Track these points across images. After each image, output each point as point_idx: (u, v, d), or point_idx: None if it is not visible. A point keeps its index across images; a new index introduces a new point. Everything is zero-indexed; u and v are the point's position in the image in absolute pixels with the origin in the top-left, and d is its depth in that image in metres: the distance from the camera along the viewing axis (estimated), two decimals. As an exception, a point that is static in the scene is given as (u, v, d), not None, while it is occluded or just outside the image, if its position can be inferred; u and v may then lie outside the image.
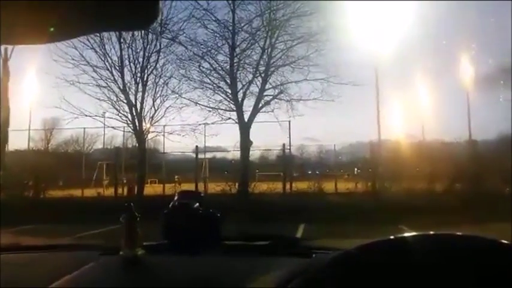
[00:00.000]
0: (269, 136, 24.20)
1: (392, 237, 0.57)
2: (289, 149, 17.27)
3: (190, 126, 16.58)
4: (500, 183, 11.58)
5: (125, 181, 17.90)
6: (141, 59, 15.92)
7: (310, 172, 21.54)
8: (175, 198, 1.25)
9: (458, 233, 0.58)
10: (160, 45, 15.96)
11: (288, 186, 16.49)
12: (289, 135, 16.72)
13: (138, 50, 15.89)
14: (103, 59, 15.76)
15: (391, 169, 15.00)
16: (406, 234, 0.60)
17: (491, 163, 13.29)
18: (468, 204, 8.80)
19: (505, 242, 0.57)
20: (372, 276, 0.56)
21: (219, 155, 20.38)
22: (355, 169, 21.44)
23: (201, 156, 17.77)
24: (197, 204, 1.21)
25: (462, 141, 15.83)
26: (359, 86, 15.82)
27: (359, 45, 15.66)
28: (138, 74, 15.89)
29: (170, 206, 1.21)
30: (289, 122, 16.42)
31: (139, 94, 15.85)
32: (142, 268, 1.14)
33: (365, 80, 16.82)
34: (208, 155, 19.13)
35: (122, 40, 15.80)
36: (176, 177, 18.64)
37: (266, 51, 15.71)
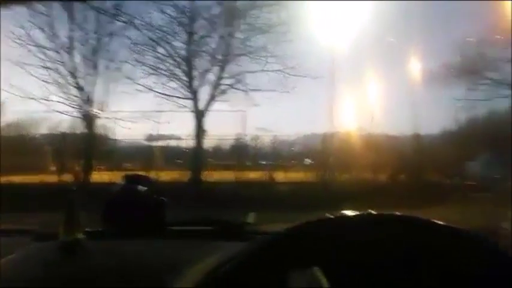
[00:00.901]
0: (224, 125, 24.06)
1: (319, 218, 0.60)
2: (244, 138, 17.36)
3: (143, 113, 16.16)
4: (441, 174, 12.34)
5: (76, 168, 17.17)
6: (92, 42, 15.23)
7: (264, 162, 21.74)
8: (121, 182, 1.23)
9: (393, 213, 0.62)
10: (113, 28, 15.34)
11: (241, 175, 16.57)
12: (245, 125, 16.78)
13: (89, 32, 15.20)
14: (51, 39, 14.92)
15: (341, 160, 15.50)
16: (337, 214, 0.64)
17: (433, 156, 14.12)
18: (410, 193, 9.33)
19: (437, 221, 0.62)
20: (304, 256, 0.60)
21: (172, 143, 20.03)
22: (308, 159, 21.90)
23: (153, 143, 17.41)
24: (144, 188, 1.20)
25: (408, 135, 16.66)
26: (315, 78, 16.10)
27: (316, 39, 15.93)
28: (89, 57, 15.21)
29: (114, 189, 1.19)
30: (245, 111, 16.46)
31: (90, 78, 15.21)
32: (81, 253, 1.12)
33: (320, 73, 17.08)
34: (161, 143, 18.76)
35: (72, 21, 15.02)
36: (127, 165, 18.13)
37: (224, 39, 15.58)
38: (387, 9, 14.32)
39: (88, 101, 15.11)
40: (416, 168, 13.71)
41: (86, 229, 1.21)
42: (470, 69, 16.00)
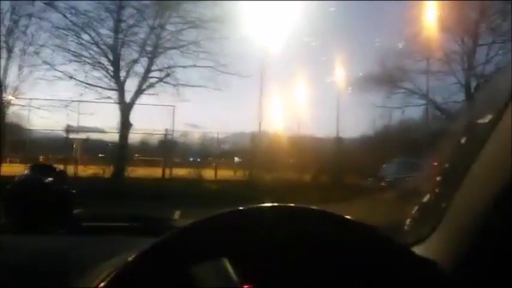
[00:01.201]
0: (152, 120, 23.41)
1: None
2: (172, 134, 17.00)
3: (62, 102, 15.12)
4: (358, 175, 13.14)
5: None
6: (7, 22, 13.91)
7: (192, 159, 21.50)
8: (26, 171, 1.13)
9: (304, 206, 0.64)
10: (33, 9, 14.15)
11: (167, 171, 16.22)
12: (173, 120, 16.44)
13: (4, 11, 13.86)
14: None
15: (267, 159, 15.84)
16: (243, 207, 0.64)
17: (352, 158, 15.01)
18: (328, 191, 9.84)
19: (346, 216, 0.65)
20: (212, 248, 0.59)
21: (94, 136, 18.99)
22: (236, 158, 22.08)
23: (73, 136, 16.36)
24: (49, 179, 1.11)
25: (330, 137, 17.53)
26: (245, 77, 16.27)
27: (249, 38, 16.13)
28: (3, 38, 13.88)
29: (16, 179, 1.09)
30: (174, 107, 16.13)
31: (3, 61, 13.89)
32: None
33: (251, 72, 17.34)
34: (82, 135, 17.68)
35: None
36: (41, 157, 16.77)
37: (155, 30, 15.11)
38: (317, 17, 14.94)
39: (0, 86, 13.78)
40: (337, 169, 14.50)
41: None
42: (388, 78, 17.28)
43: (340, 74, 16.49)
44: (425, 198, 1.08)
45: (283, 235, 0.60)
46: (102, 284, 0.62)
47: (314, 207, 0.66)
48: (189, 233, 0.61)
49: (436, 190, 1.03)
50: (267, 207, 0.62)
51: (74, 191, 1.17)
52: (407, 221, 1.09)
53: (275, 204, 0.62)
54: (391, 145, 15.82)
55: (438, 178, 1.07)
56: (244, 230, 0.60)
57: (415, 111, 18.38)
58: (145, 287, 0.59)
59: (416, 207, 1.09)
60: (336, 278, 0.60)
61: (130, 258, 0.60)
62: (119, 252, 0.93)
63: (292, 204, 0.63)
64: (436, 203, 0.97)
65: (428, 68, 16.56)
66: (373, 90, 17.87)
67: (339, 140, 16.94)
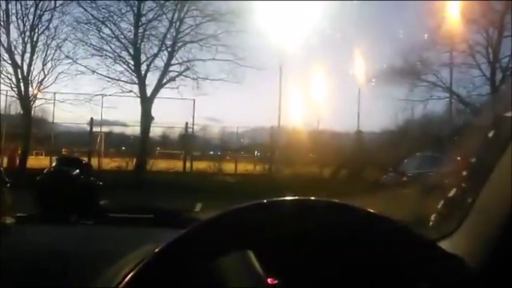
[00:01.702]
0: (172, 113, 23.62)
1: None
2: (192, 128, 17.13)
3: (85, 96, 15.43)
4: (379, 170, 12.98)
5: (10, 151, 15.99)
6: (31, 17, 14.25)
7: (211, 153, 21.65)
8: (54, 164, 1.17)
9: (327, 199, 0.64)
10: (55, 4, 14.43)
11: (188, 165, 16.38)
12: (193, 114, 16.56)
13: (29, 6, 14.19)
14: (-16, 12, 13.76)
15: (287, 154, 15.80)
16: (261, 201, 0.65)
17: (373, 153, 14.82)
18: (348, 186, 9.74)
19: (368, 209, 0.64)
20: (235, 240, 0.60)
21: (117, 129, 19.34)
22: (255, 152, 22.11)
23: (96, 129, 16.68)
24: (76, 171, 1.14)
25: (350, 131, 17.35)
26: (264, 71, 16.25)
27: (267, 31, 16.03)
28: (27, 33, 14.23)
29: (45, 171, 1.13)
30: (194, 100, 16.24)
31: (27, 55, 14.24)
32: (10, 238, 1.06)
33: (270, 65, 17.27)
34: (105, 129, 18.03)
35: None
36: (63, 150, 17.12)
37: (174, 24, 15.22)
38: (337, 9, 14.74)
39: (25, 80, 14.14)
40: (357, 164, 14.35)
41: (18, 214, 1.13)
42: (410, 71, 16.94)
43: (361, 67, 16.26)
44: (451, 193, 1.07)
45: (307, 228, 0.60)
46: (130, 275, 0.64)
47: (337, 200, 0.66)
48: (214, 225, 0.61)
49: (462, 185, 1.02)
50: (290, 200, 0.62)
51: (100, 183, 1.20)
52: (433, 216, 1.07)
53: (299, 197, 0.63)
54: (413, 139, 15.53)
55: (464, 173, 1.05)
56: (268, 223, 0.61)
57: (438, 105, 17.96)
58: (172, 278, 0.60)
59: (441, 202, 1.08)
60: (360, 271, 0.60)
61: (157, 250, 0.62)
62: (143, 243, 0.95)
63: (315, 198, 0.63)
64: (462, 198, 0.96)
65: (452, 60, 16.16)
66: (394, 83, 17.54)
67: (359, 134, 16.73)
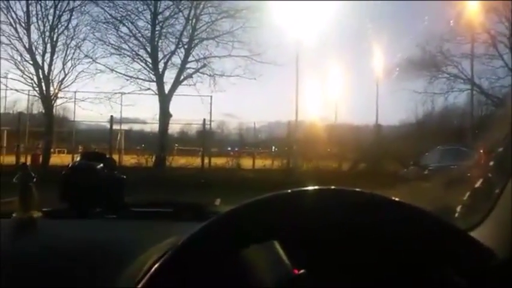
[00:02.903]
0: (190, 110, 23.81)
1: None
2: (210, 124, 17.22)
3: (105, 94, 15.68)
4: (399, 164, 12.80)
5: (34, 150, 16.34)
6: (50, 17, 14.55)
7: (229, 148, 21.73)
8: (78, 159, 1.19)
9: (353, 188, 0.63)
10: (73, 4, 14.68)
11: (206, 161, 16.49)
12: (210, 110, 16.64)
13: (48, 7, 14.49)
14: (6, 13, 14.10)
15: (305, 149, 15.73)
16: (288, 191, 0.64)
17: (392, 147, 14.61)
18: (368, 180, 9.64)
19: (378, 194, 0.63)
20: (260, 230, 0.60)
21: (136, 126, 19.61)
22: (273, 147, 22.09)
23: (116, 127, 16.93)
24: (100, 165, 1.16)
25: (369, 125, 17.14)
26: (280, 66, 16.21)
27: (283, 26, 15.96)
28: (47, 33, 14.53)
29: (70, 166, 1.15)
30: (211, 97, 16.31)
31: (47, 55, 14.55)
32: (37, 231, 1.08)
33: (286, 61, 17.21)
34: (125, 126, 18.29)
35: (29, -6, 14.23)
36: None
37: (190, 22, 15.31)
38: (354, 2, 14.54)
39: (46, 79, 14.45)
40: (376, 158, 14.17)
41: (43, 209, 1.16)
42: (430, 63, 16.60)
43: (379, 60, 16.02)
44: (477, 185, 1.04)
45: (332, 217, 0.60)
46: (155, 267, 0.64)
47: (363, 190, 0.65)
48: (239, 215, 0.61)
49: (489, 176, 0.99)
50: (315, 189, 0.62)
51: (124, 177, 1.21)
52: (458, 208, 1.05)
53: (323, 187, 0.62)
54: (434, 132, 15.25)
55: (490, 164, 1.03)
56: (293, 213, 0.60)
57: (459, 97, 17.56)
58: (197, 270, 0.60)
59: (467, 194, 1.05)
60: (387, 260, 0.59)
61: (181, 241, 0.62)
62: (166, 236, 0.96)
63: (342, 187, 0.62)
64: (488, 190, 0.94)
65: (473, 51, 15.76)
66: (414, 75, 17.22)
67: (378, 128, 16.51)
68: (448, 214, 1.11)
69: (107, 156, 1.31)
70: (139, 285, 0.60)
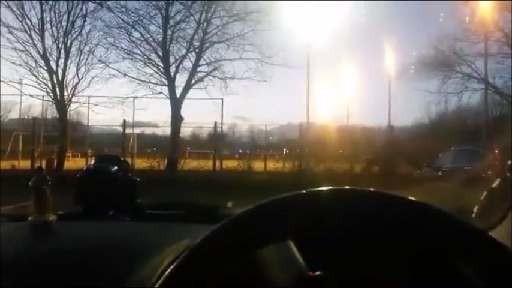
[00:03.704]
0: (201, 113, 23.94)
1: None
2: (221, 127, 17.26)
3: (117, 98, 15.84)
4: (411, 166, 12.65)
5: (48, 154, 16.56)
6: (64, 23, 14.73)
7: (240, 151, 21.75)
8: (92, 162, 1.20)
9: (369, 189, 0.62)
10: (86, 10, 14.88)
11: (218, 164, 16.53)
12: (222, 113, 16.68)
13: (62, 13, 14.69)
14: (21, 19, 14.34)
15: (316, 151, 15.66)
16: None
17: (405, 148, 14.45)
18: (382, 182, 9.54)
19: (395, 194, 0.62)
20: (275, 231, 0.59)
21: (148, 130, 19.78)
22: (284, 149, 22.04)
23: (129, 131, 17.08)
24: (115, 167, 1.17)
25: (382, 126, 17.00)
26: (291, 68, 16.16)
27: (293, 28, 15.95)
28: (61, 39, 14.73)
29: (85, 168, 1.16)
30: (222, 100, 16.35)
31: (61, 61, 14.74)
32: (52, 234, 1.09)
33: (297, 63, 17.16)
34: (137, 130, 18.46)
35: (43, 1, 14.46)
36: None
37: (201, 25, 15.37)
38: (364, 3, 14.47)
39: (60, 84, 14.66)
40: (389, 159, 14.03)
41: (58, 212, 1.17)
42: (443, 63, 16.40)
43: (391, 60, 15.89)
44: (495, 185, 1.02)
45: (348, 218, 0.59)
46: (170, 267, 0.64)
47: (378, 190, 0.64)
48: (253, 215, 0.61)
49: (506, 175, 0.97)
50: (330, 190, 0.61)
51: (138, 179, 1.22)
52: (475, 208, 1.03)
53: (339, 187, 0.61)
54: (448, 133, 15.06)
55: (507, 164, 1.01)
56: (308, 213, 0.60)
57: (473, 97, 17.30)
58: (212, 271, 0.60)
59: (484, 194, 1.03)
60: (405, 261, 0.58)
61: (196, 242, 0.62)
62: (181, 238, 0.96)
63: (357, 187, 0.62)
64: (505, 190, 0.92)
65: (487, 50, 15.52)
66: (427, 75, 17.03)
67: (391, 129, 16.36)
68: (464, 214, 1.09)
69: (121, 159, 1.32)
70: (156, 286, 0.60)
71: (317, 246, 0.58)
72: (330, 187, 0.61)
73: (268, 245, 0.56)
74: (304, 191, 0.61)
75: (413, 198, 0.60)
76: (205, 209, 1.37)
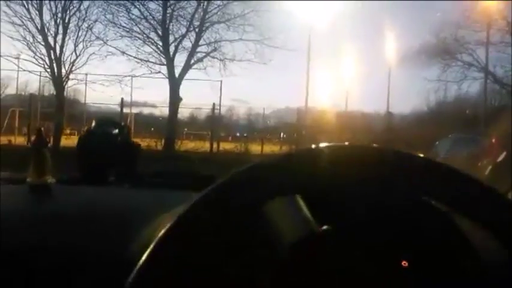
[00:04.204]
0: (199, 94, 23.80)
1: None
2: (219, 109, 17.18)
3: (115, 77, 15.70)
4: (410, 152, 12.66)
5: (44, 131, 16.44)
6: (63, -2, 14.49)
7: (238, 134, 21.74)
8: (92, 124, 1.18)
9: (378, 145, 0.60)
10: (86, -15, 14.61)
11: (215, 146, 16.52)
12: (220, 95, 16.58)
13: (61, -12, 14.42)
14: (19, -7, 14.09)
15: (314, 135, 15.66)
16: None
17: (404, 134, 14.48)
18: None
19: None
20: (282, 186, 0.58)
21: (146, 110, 19.67)
22: (282, 133, 22.04)
23: (126, 110, 16.99)
24: (116, 131, 1.15)
25: (380, 113, 16.99)
26: (291, 51, 16.05)
27: (295, 10, 15.75)
28: (59, 15, 14.51)
29: (86, 129, 1.14)
30: (221, 81, 16.24)
31: (59, 36, 14.55)
32: (50, 197, 1.08)
33: (297, 46, 17.03)
34: (135, 110, 18.35)
35: (41, -26, 14.19)
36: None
37: (202, 5, 15.14)
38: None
39: (58, 61, 14.49)
40: (386, 146, 14.04)
41: (57, 174, 1.15)
42: (444, 51, 16.29)
43: (391, 46, 15.77)
44: (499, 159, 1.01)
45: (360, 175, 0.57)
46: (170, 223, 0.62)
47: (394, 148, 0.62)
48: (260, 170, 0.59)
49: (501, 164, 0.96)
50: (342, 146, 0.59)
51: (139, 144, 1.20)
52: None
53: (353, 143, 0.59)
54: (446, 121, 15.07)
55: (502, 154, 0.99)
56: (317, 169, 0.58)
57: (472, 86, 17.26)
58: (216, 225, 0.59)
59: (489, 168, 1.02)
60: (413, 214, 0.57)
61: (199, 196, 0.60)
62: (182, 204, 0.95)
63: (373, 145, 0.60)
64: (502, 178, 0.90)
65: (489, 38, 15.41)
66: (427, 63, 16.94)
67: (389, 116, 16.36)
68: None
69: (122, 123, 1.30)
70: (161, 234, 0.59)
71: (325, 201, 0.56)
72: (344, 143, 0.59)
73: (276, 198, 0.55)
74: (312, 147, 0.59)
75: (421, 155, 0.58)
76: (204, 178, 1.35)
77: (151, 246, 0.60)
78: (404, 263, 0.56)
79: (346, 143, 0.60)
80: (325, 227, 0.52)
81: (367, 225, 0.55)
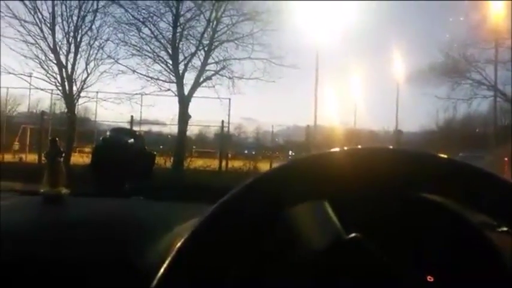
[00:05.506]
0: (208, 112, 23.92)
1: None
2: (228, 127, 17.23)
3: (126, 94, 15.89)
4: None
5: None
6: (75, 18, 14.80)
7: (246, 151, 21.72)
8: (108, 133, 1.17)
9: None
10: (97, 5, 14.95)
11: (224, 163, 16.50)
12: (229, 112, 16.65)
13: (73, 8, 14.75)
14: (32, 13, 14.43)
15: (323, 153, 15.57)
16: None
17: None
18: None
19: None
20: (306, 190, 0.56)
21: (155, 128, 19.80)
22: (290, 151, 21.98)
23: (136, 128, 17.10)
24: (131, 140, 1.14)
25: (389, 131, 16.91)
26: (300, 69, 16.12)
27: (303, 29, 15.93)
28: (71, 34, 14.79)
29: (101, 138, 1.14)
30: (230, 99, 16.33)
31: (71, 55, 14.79)
32: (64, 207, 1.06)
33: (306, 64, 17.15)
34: (144, 127, 18.48)
35: (55, -5, 14.55)
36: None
37: (211, 24, 15.37)
38: (375, 6, 14.41)
39: (69, 78, 14.72)
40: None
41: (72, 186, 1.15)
42: (453, 69, 16.29)
43: (400, 64, 15.81)
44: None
45: (389, 178, 0.55)
46: (189, 232, 0.60)
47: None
48: (285, 173, 0.57)
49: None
50: (371, 148, 0.57)
51: (154, 153, 1.19)
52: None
53: (381, 146, 0.57)
54: (455, 139, 14.95)
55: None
56: (344, 173, 0.56)
57: (482, 104, 17.15)
58: (239, 231, 0.56)
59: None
60: (439, 222, 0.54)
61: (221, 200, 0.58)
62: (197, 215, 0.93)
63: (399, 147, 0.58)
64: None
65: (498, 56, 15.39)
66: (436, 81, 16.91)
67: (398, 134, 16.26)
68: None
69: (136, 132, 1.29)
70: (179, 245, 0.57)
71: (354, 207, 0.54)
72: (371, 146, 0.57)
73: (303, 204, 0.53)
74: (337, 149, 0.57)
75: (444, 156, 0.56)
76: (217, 191, 1.34)
77: (171, 255, 0.58)
78: (430, 278, 0.54)
79: (376, 146, 0.58)
80: (353, 235, 0.50)
81: (394, 234, 0.52)
